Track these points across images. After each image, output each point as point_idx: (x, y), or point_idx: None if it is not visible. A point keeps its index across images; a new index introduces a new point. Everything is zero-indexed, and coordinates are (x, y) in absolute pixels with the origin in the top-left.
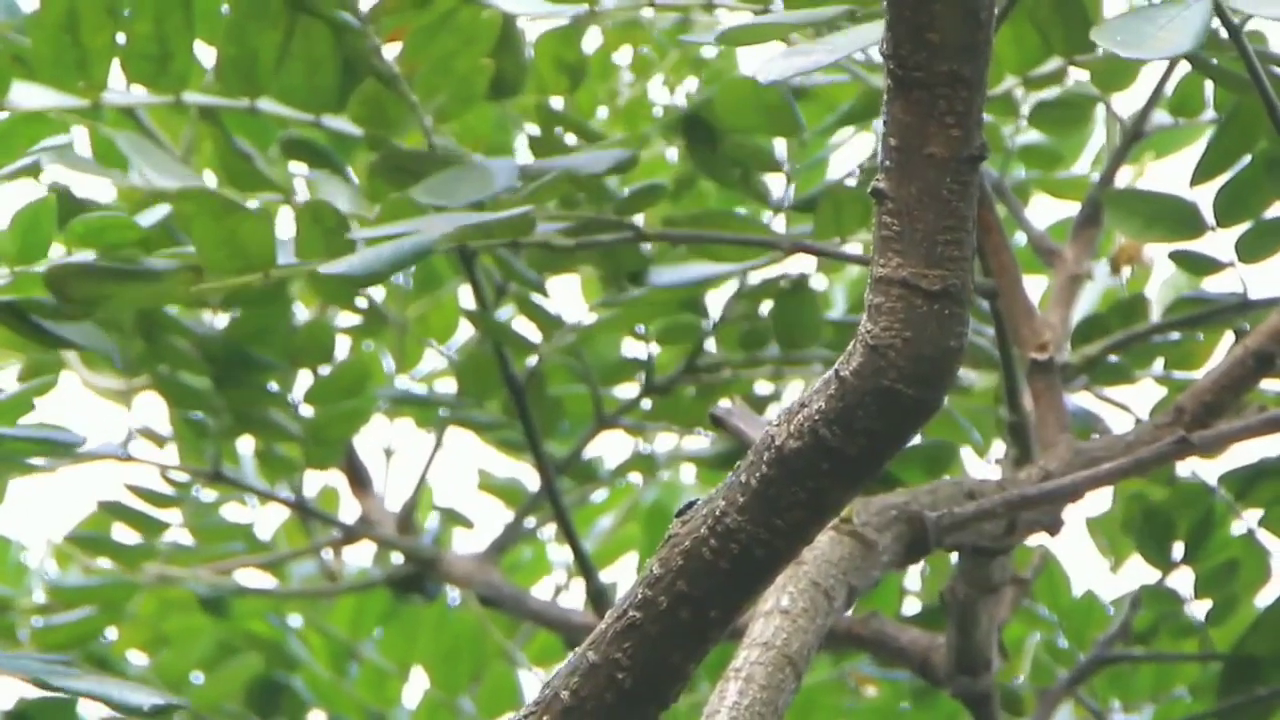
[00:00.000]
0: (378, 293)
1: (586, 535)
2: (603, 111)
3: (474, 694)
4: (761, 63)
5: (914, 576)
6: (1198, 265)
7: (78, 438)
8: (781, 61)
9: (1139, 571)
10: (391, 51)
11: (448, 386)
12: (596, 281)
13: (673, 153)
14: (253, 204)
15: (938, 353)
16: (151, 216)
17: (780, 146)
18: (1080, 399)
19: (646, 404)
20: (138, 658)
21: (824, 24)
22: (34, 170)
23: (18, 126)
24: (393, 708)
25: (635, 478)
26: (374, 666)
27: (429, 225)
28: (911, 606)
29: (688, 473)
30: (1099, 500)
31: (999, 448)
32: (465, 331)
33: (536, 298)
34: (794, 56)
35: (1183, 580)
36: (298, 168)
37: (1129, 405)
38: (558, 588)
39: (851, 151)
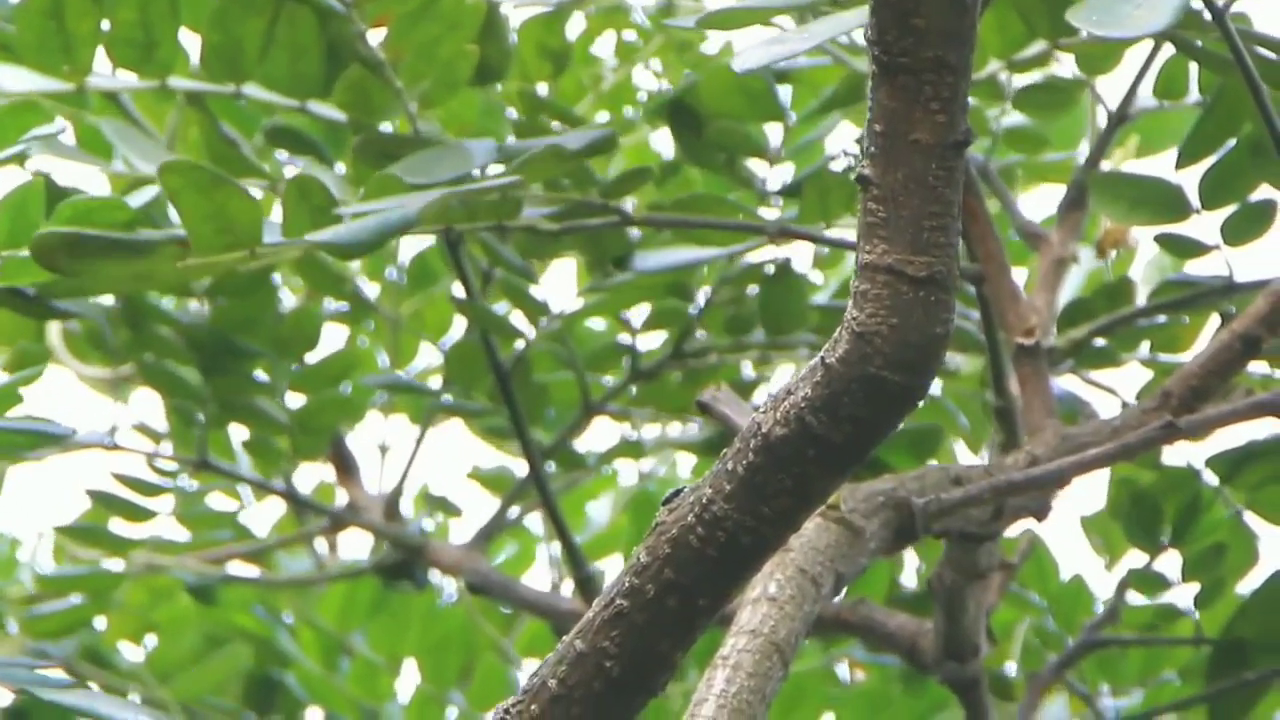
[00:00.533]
0: (371, 290)
1: (575, 521)
2: (588, 98)
3: (465, 687)
4: (739, 51)
5: (910, 573)
6: (1183, 248)
7: (67, 430)
8: (759, 50)
9: (1131, 565)
10: (376, 37)
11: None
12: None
13: (657, 138)
14: None
15: (924, 339)
16: (141, 197)
17: (766, 131)
18: (1067, 382)
19: (633, 390)
20: (128, 649)
21: (806, 9)
22: (20, 157)
23: (7, 117)
24: (385, 702)
25: (623, 464)
26: (365, 660)
27: (414, 200)
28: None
29: (685, 467)
30: (1092, 496)
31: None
32: (460, 328)
33: (523, 284)
34: (772, 45)
35: (1170, 564)
36: (284, 159)
37: (1115, 388)
38: (553, 584)
39: (838, 136)
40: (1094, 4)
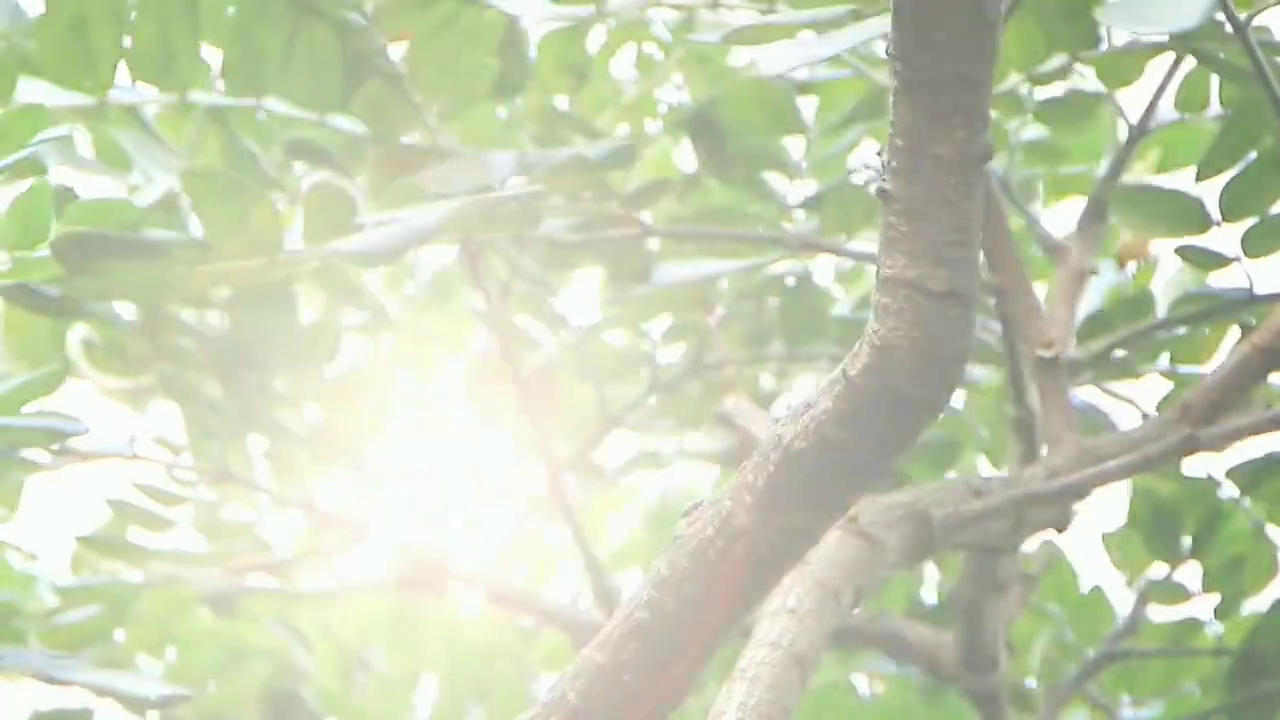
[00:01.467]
0: (390, 303)
1: (595, 533)
2: (608, 111)
3: (484, 700)
4: (764, 55)
5: (929, 585)
6: (1204, 260)
7: (80, 427)
8: (784, 53)
9: (1150, 576)
10: (396, 52)
11: (459, 395)
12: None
13: (677, 151)
14: None
15: (944, 353)
16: (148, 196)
17: (787, 145)
18: (1086, 394)
19: (652, 401)
20: (147, 662)
21: (830, 24)
22: (35, 165)
23: (14, 121)
24: (403, 716)
25: (642, 476)
26: (383, 676)
27: (435, 210)
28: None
29: (705, 478)
30: (1112, 510)
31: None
32: (477, 340)
33: (542, 295)
34: (796, 49)
35: (1191, 575)
36: (298, 173)
37: (1135, 400)
38: (572, 596)
39: (860, 149)
40: (1123, 2)
